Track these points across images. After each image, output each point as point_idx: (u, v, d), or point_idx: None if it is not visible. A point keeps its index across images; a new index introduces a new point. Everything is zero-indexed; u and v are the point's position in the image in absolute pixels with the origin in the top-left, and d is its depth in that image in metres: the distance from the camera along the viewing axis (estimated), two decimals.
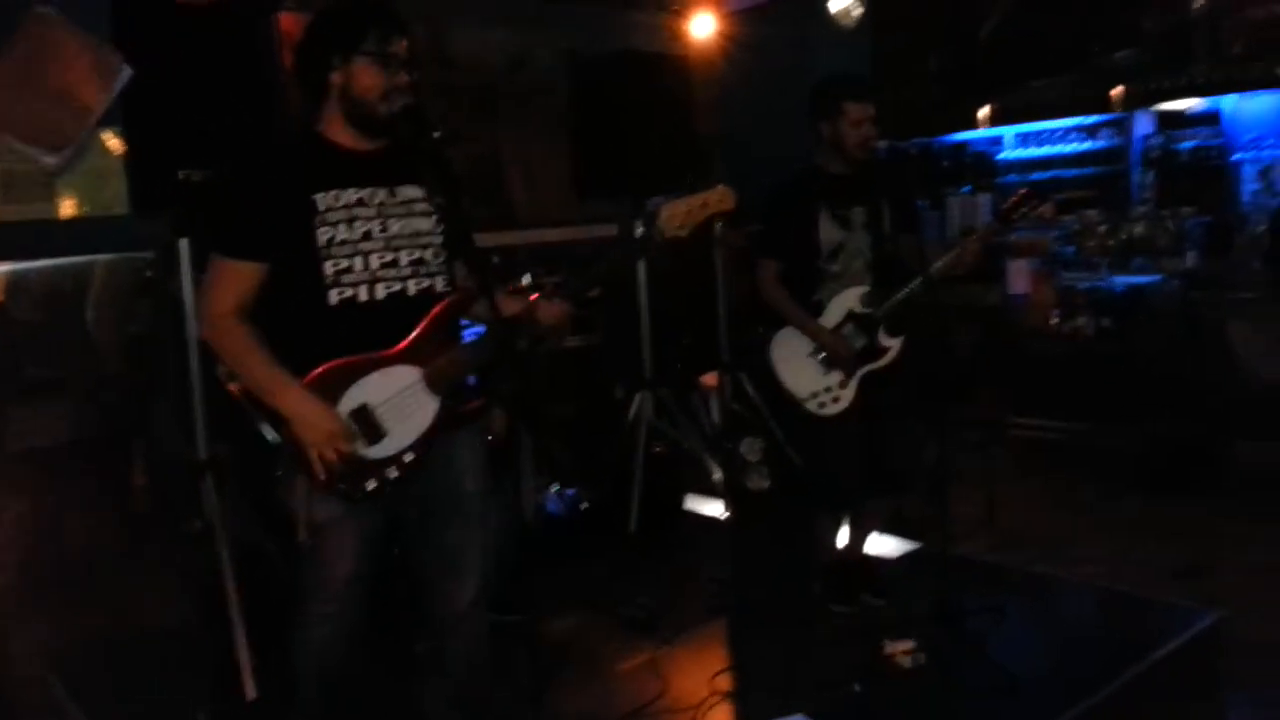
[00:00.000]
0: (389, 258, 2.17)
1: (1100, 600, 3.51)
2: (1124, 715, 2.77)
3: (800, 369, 3.25)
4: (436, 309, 2.22)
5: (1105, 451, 4.97)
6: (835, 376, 3.22)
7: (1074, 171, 6.59)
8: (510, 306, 2.25)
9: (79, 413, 4.14)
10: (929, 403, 3.47)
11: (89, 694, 3.09)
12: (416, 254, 2.22)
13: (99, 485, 4.17)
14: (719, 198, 2.29)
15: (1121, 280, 5.28)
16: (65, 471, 4.12)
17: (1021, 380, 5.46)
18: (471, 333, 2.41)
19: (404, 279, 2.20)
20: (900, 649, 2.95)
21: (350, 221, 2.14)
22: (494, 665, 2.53)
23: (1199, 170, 6.01)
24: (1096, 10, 6.30)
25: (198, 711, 2.95)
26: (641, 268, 4.40)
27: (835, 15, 4.25)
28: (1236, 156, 5.76)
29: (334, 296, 2.12)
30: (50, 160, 2.72)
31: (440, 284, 2.27)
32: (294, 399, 2.09)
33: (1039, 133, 6.73)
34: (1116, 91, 5.76)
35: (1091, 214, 5.82)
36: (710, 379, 5.06)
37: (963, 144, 7.05)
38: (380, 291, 2.16)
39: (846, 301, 3.22)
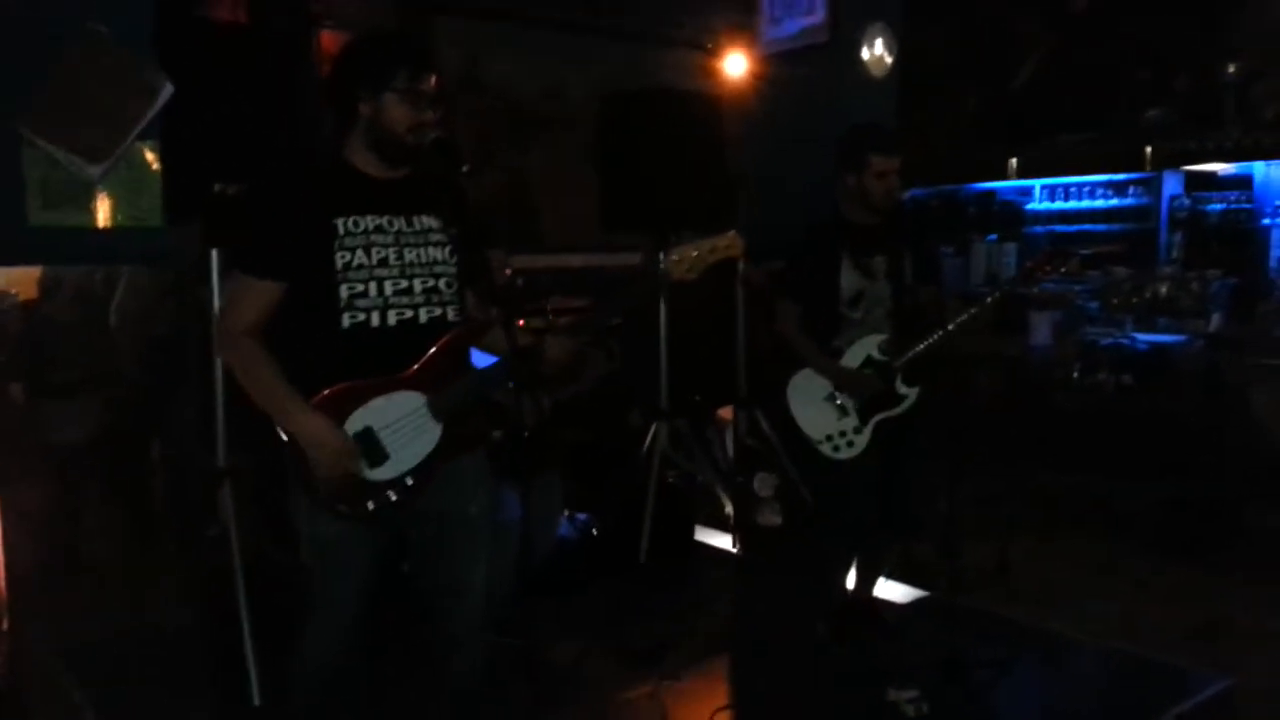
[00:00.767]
0: (403, 284, 2.22)
1: (1109, 660, 3.46)
2: None
3: (816, 411, 3.26)
4: (446, 337, 2.27)
5: (1121, 508, 4.93)
6: (850, 421, 3.23)
7: (1101, 227, 6.61)
8: (521, 340, 2.26)
9: (101, 412, 4.20)
10: (945, 451, 3.46)
11: (98, 691, 3.12)
12: (430, 282, 2.26)
13: (117, 485, 4.23)
14: (727, 243, 2.32)
15: (1145, 338, 5.26)
16: (85, 469, 4.18)
17: (1040, 433, 5.44)
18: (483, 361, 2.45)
19: (416, 306, 2.24)
20: (904, 697, 2.93)
21: (368, 247, 2.18)
22: (493, 688, 2.53)
23: (1227, 233, 6.01)
24: (1127, 68, 6.34)
25: (204, 717, 2.96)
26: (662, 300, 4.43)
27: (867, 63, 4.29)
28: (1266, 221, 5.75)
29: (346, 320, 2.17)
30: (92, 170, 2.80)
31: (451, 313, 2.31)
32: (303, 417, 2.13)
33: (1068, 186, 6.76)
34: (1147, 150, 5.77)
35: (1118, 270, 5.81)
36: (726, 413, 5.07)
37: (991, 192, 7.08)
38: (392, 318, 2.21)
39: (866, 348, 3.23)
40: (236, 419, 3.09)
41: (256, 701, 2.98)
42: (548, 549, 3.77)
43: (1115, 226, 6.51)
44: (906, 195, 6.55)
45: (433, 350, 2.24)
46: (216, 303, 3.01)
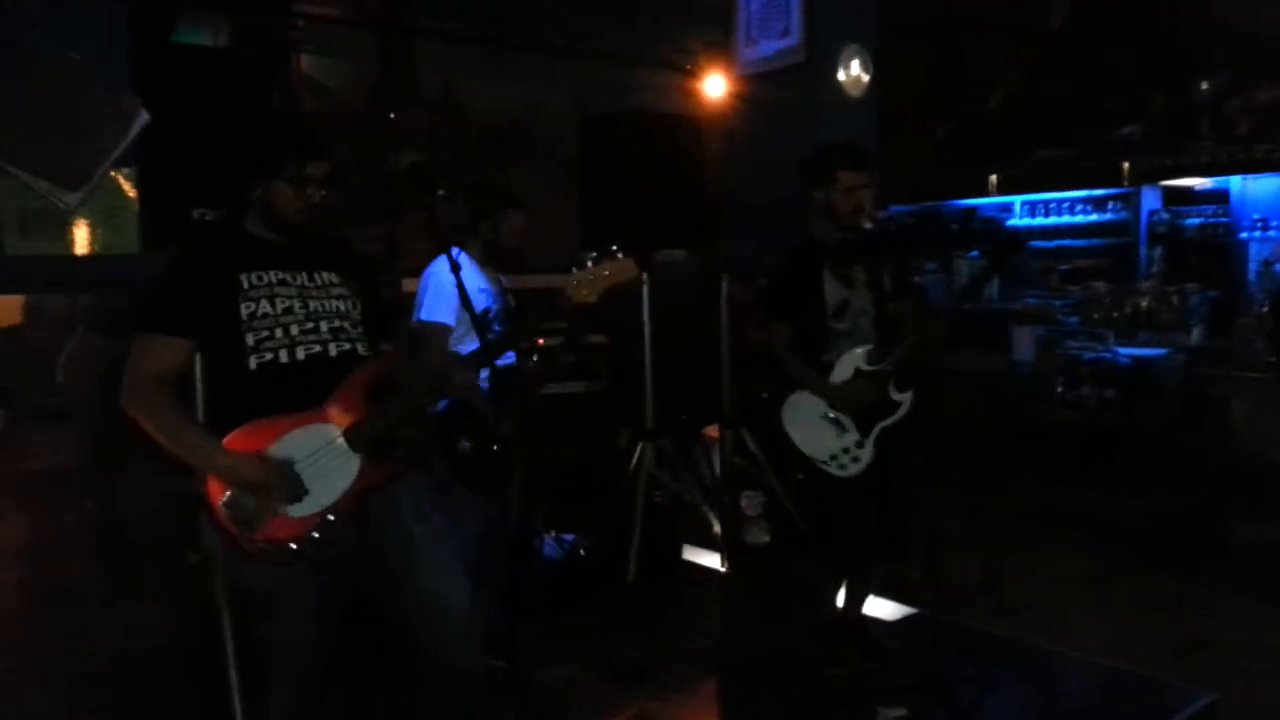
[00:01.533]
0: (309, 325, 2.29)
1: (1094, 676, 3.47)
2: None
3: (816, 432, 3.25)
4: (359, 370, 2.30)
5: (1105, 522, 4.95)
6: (851, 436, 3.23)
7: (1082, 242, 6.66)
8: (426, 370, 2.43)
9: (83, 437, 4.18)
10: (930, 467, 3.47)
11: (80, 717, 3.08)
12: (337, 323, 2.33)
13: (98, 510, 4.20)
14: (622, 268, 2.43)
15: (1126, 352, 5.29)
16: (67, 495, 4.16)
17: (1023, 447, 5.46)
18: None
19: (325, 342, 2.29)
20: (891, 715, 2.93)
21: (272, 298, 2.26)
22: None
23: (1206, 247, 6.07)
24: (1104, 85, 6.41)
25: None
26: (647, 319, 4.45)
27: (844, 83, 4.34)
28: (1243, 235, 5.81)
29: (253, 362, 2.22)
30: (69, 198, 2.80)
31: (361, 348, 2.35)
32: (219, 454, 2.15)
33: (1047, 202, 6.81)
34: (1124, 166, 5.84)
35: (1098, 285, 5.86)
36: (712, 432, 5.08)
37: (972, 209, 7.13)
38: (300, 353, 2.25)
39: (854, 360, 3.24)
40: None
41: None
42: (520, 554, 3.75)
43: (1095, 241, 6.56)
44: (885, 212, 6.61)
45: (347, 383, 2.27)
46: None
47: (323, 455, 2.20)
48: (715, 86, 4.70)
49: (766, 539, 4.67)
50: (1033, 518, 5.20)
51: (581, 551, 4.22)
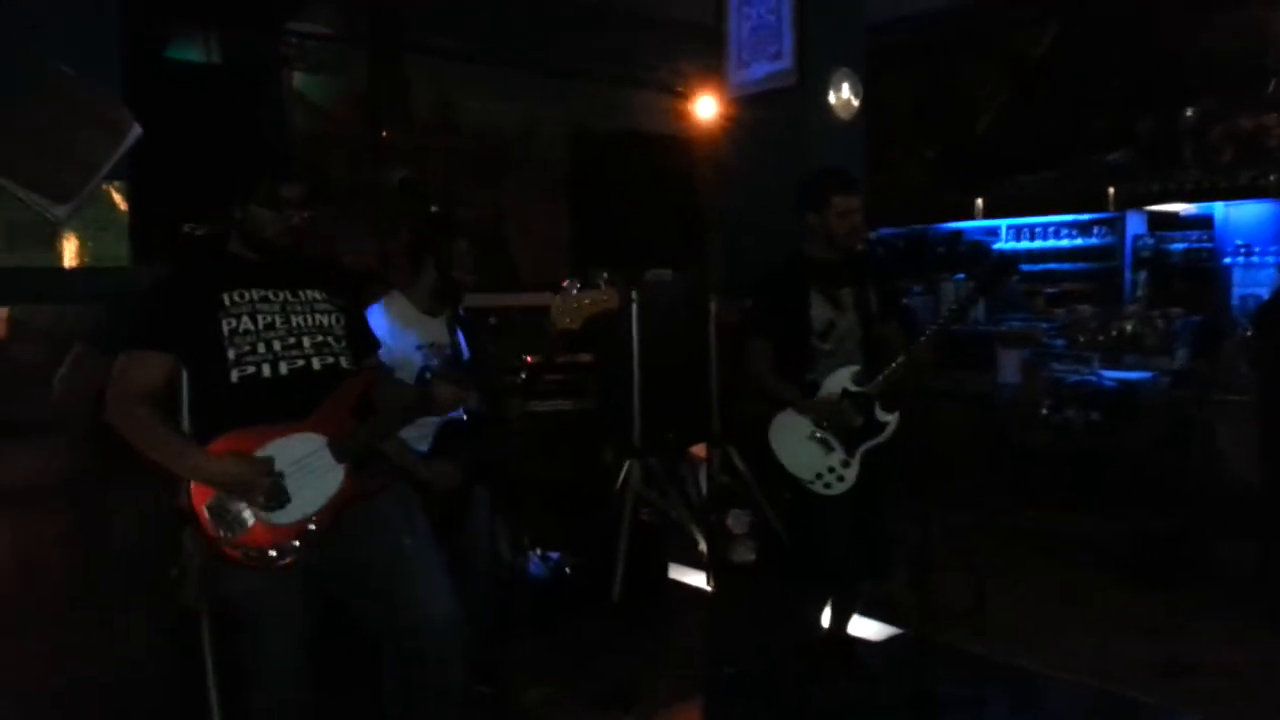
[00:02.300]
0: (291, 340, 2.31)
1: (1080, 697, 3.47)
2: None
3: (801, 451, 3.26)
4: (344, 382, 2.32)
5: (1089, 543, 4.96)
6: (838, 455, 3.23)
7: (1067, 266, 6.71)
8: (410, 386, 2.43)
9: (69, 452, 4.14)
10: (914, 486, 3.48)
11: None
12: (320, 338, 2.35)
13: (82, 526, 4.16)
14: (602, 297, 2.50)
15: (1111, 375, 5.32)
16: (49, 511, 4.11)
17: (1009, 469, 5.48)
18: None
19: (308, 356, 2.31)
20: None
21: (254, 314, 2.29)
22: None
23: (1190, 272, 6.12)
24: (1090, 111, 6.48)
25: None
26: (635, 338, 4.46)
27: (834, 106, 4.39)
28: (1227, 260, 5.87)
29: (235, 375, 2.24)
30: (58, 210, 2.80)
31: (345, 362, 2.37)
32: (203, 459, 2.16)
33: (1034, 226, 6.87)
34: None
35: (1083, 309, 5.90)
36: (699, 450, 5.08)
37: (958, 232, 7.18)
38: (284, 368, 2.27)
39: (840, 380, 3.25)
40: None
41: None
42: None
43: (1080, 265, 6.62)
44: (874, 235, 6.65)
45: (334, 395, 2.28)
46: None
47: (307, 464, 2.21)
48: (706, 108, 4.74)
49: (752, 557, 4.67)
50: (1018, 539, 5.21)
51: (567, 569, 4.21)
